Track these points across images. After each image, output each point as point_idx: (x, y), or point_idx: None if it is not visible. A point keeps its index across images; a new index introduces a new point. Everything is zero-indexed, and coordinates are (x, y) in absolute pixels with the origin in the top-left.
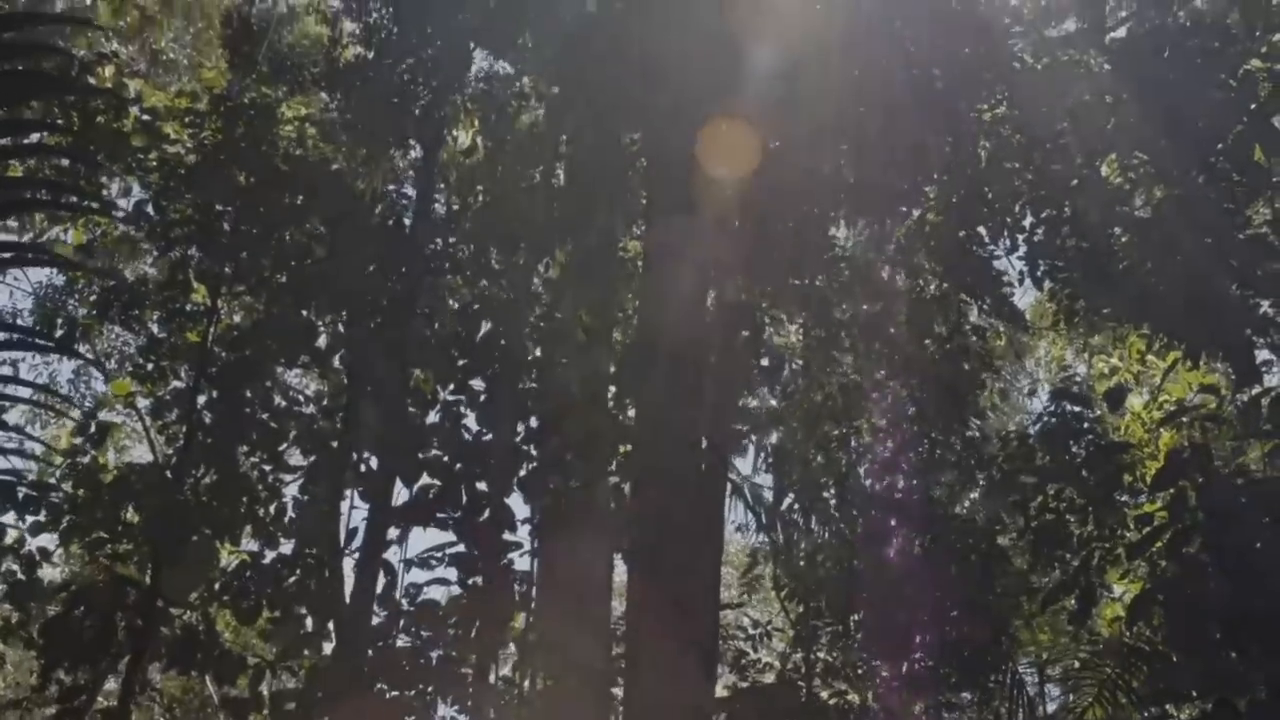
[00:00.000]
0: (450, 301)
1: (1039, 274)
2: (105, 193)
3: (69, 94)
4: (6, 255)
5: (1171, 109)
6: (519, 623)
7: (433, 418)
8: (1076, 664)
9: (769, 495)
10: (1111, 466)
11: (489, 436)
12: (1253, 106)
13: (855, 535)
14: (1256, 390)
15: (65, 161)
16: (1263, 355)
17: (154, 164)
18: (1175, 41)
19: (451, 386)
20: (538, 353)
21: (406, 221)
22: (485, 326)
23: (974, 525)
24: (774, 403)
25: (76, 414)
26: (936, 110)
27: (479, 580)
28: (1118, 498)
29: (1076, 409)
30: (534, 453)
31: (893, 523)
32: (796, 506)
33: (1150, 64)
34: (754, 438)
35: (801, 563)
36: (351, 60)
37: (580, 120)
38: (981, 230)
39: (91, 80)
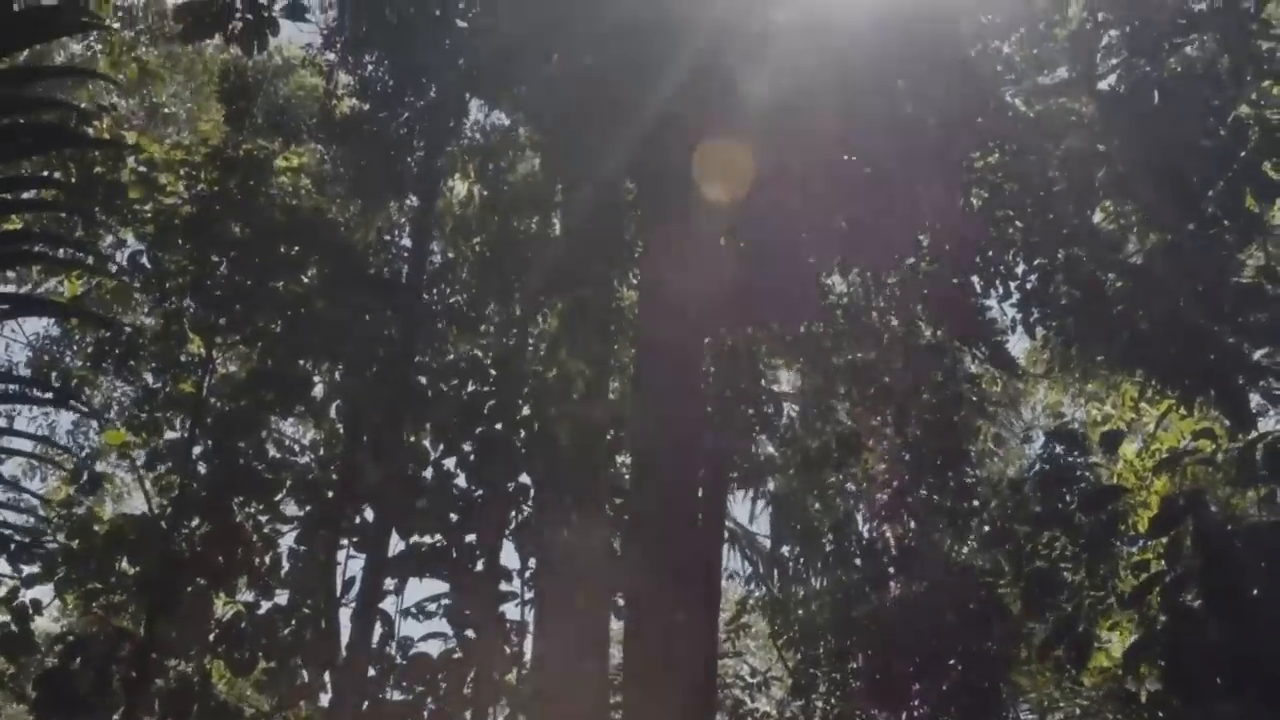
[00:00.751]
0: (448, 353)
1: (1032, 321)
2: (101, 244)
3: (69, 147)
4: (4, 307)
5: (1162, 156)
6: (513, 676)
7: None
8: (1078, 711)
9: (766, 543)
10: (1105, 513)
11: (480, 494)
12: (1243, 153)
13: (853, 582)
14: (1250, 436)
15: (62, 213)
16: (1256, 400)
17: (149, 215)
18: (1165, 89)
19: (449, 441)
20: (525, 409)
21: (403, 271)
22: (483, 382)
23: (971, 572)
24: (771, 450)
25: (73, 464)
26: (929, 158)
27: (472, 632)
28: (1112, 544)
29: (1070, 455)
30: (528, 506)
31: (890, 570)
32: (794, 554)
33: (1140, 112)
34: (752, 484)
35: (799, 611)
36: (347, 112)
37: (576, 169)
38: (975, 278)
39: (90, 130)
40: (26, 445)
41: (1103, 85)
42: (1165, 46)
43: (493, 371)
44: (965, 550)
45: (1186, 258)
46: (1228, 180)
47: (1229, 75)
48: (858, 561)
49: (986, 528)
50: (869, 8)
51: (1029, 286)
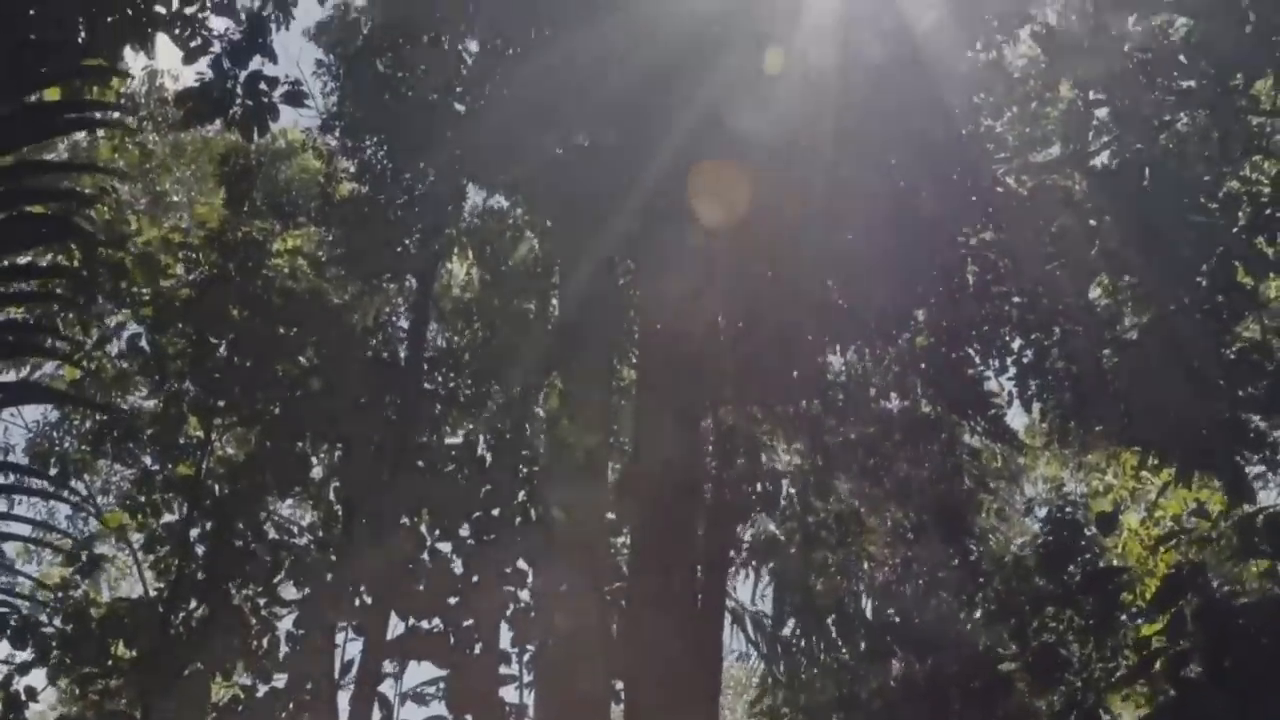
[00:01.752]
0: (446, 436)
1: (1029, 395)
2: (101, 327)
3: (72, 239)
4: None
5: (1153, 233)
6: None
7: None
8: None
9: (769, 622)
10: (1109, 589)
11: (477, 579)
12: (1234, 229)
13: (856, 660)
14: (1251, 509)
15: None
16: (1256, 470)
17: (149, 298)
18: (1155, 166)
19: (446, 526)
20: (534, 482)
21: (401, 354)
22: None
23: (976, 649)
24: (773, 527)
25: (71, 546)
26: (924, 235)
27: (471, 716)
28: (1117, 618)
29: (1072, 529)
30: (526, 589)
31: (894, 647)
32: (797, 632)
33: (1130, 190)
34: (753, 563)
35: (803, 695)
36: (347, 195)
37: (575, 251)
38: (971, 352)
39: (91, 214)
40: (25, 526)
41: (1096, 162)
42: (1155, 124)
43: (489, 457)
44: (970, 626)
45: (1180, 332)
46: (1219, 255)
47: (1219, 151)
48: (861, 639)
49: (992, 606)
50: (863, 87)
51: (1025, 361)
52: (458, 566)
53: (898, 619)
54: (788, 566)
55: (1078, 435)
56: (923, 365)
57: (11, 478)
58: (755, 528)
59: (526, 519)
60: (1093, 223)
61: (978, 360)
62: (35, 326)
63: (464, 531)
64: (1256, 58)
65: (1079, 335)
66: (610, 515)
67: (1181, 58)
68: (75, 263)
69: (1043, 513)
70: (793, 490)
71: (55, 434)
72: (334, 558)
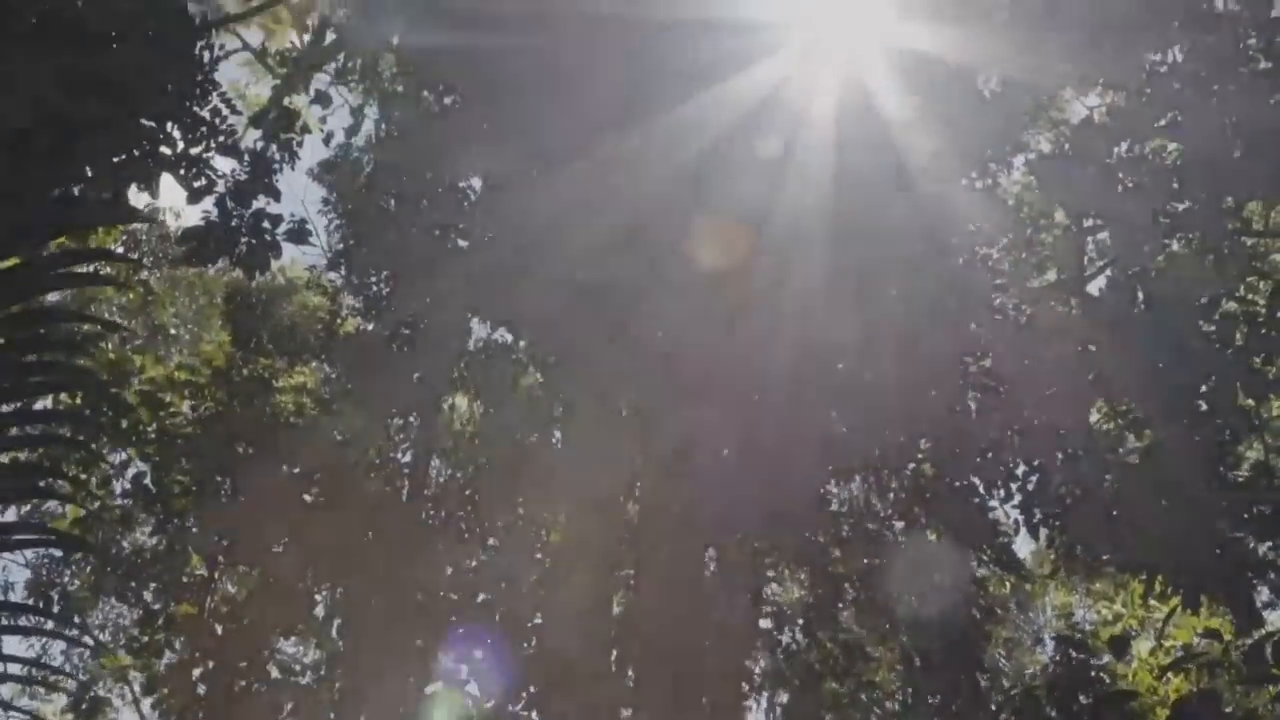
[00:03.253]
0: (447, 569)
1: (1035, 522)
2: (105, 465)
3: (77, 387)
4: (4, 538)
5: (1149, 357)
6: None
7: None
8: None
9: None
10: (1119, 716)
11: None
12: (1231, 351)
13: None
14: (1260, 634)
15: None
16: (1265, 595)
17: (153, 435)
18: (1150, 291)
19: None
20: (538, 619)
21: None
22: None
23: None
24: (780, 658)
25: (70, 684)
26: (923, 365)
27: None
28: None
29: (1082, 656)
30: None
31: None
32: None
33: (1126, 315)
34: (763, 696)
35: None
36: (352, 332)
37: (577, 386)
38: (975, 480)
39: (95, 352)
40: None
41: (1092, 287)
42: (1146, 249)
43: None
44: None
45: (1180, 456)
46: (1217, 379)
47: (1215, 272)
48: None
49: None
50: (858, 217)
51: (1029, 488)
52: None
53: None
54: (798, 700)
55: (1084, 563)
56: (927, 495)
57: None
58: (763, 664)
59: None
60: (1091, 347)
61: (982, 488)
62: (38, 468)
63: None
64: (1247, 180)
65: (1080, 461)
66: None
67: (1174, 182)
68: (79, 401)
69: (1051, 644)
70: (799, 621)
71: (57, 571)
72: (336, 695)
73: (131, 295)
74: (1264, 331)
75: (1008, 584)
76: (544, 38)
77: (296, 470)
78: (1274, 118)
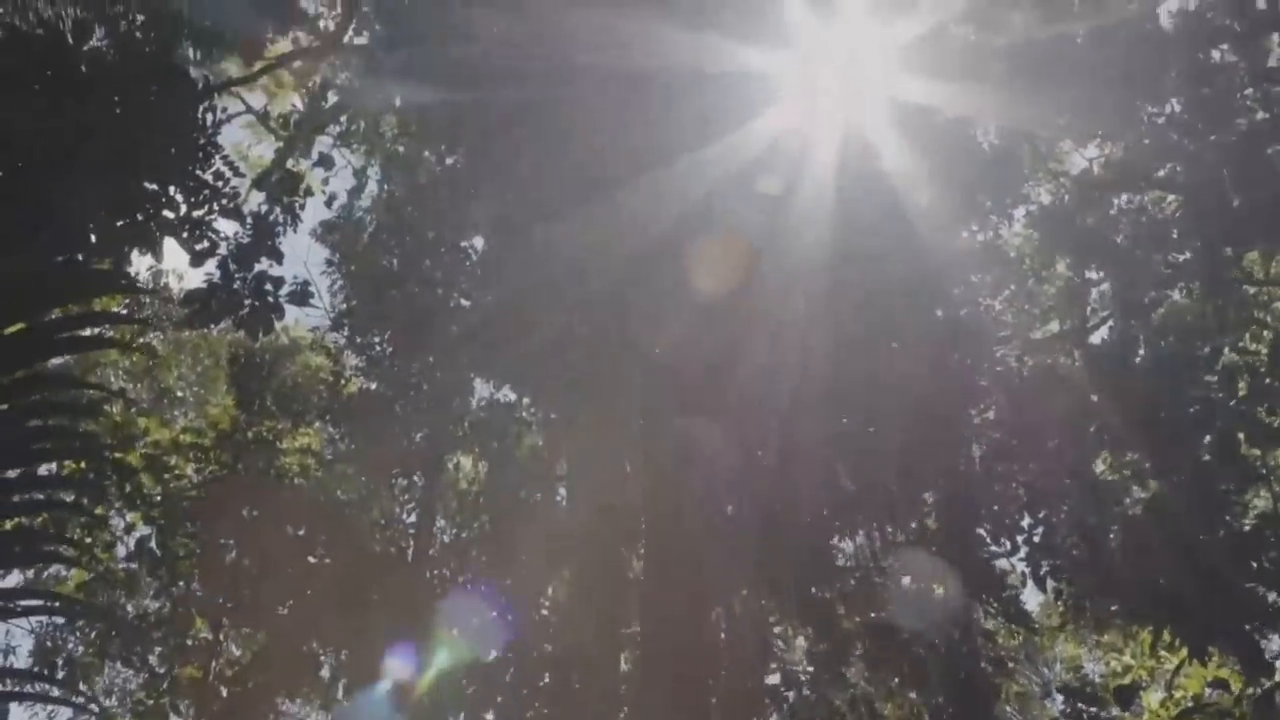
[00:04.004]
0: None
1: (1042, 574)
2: (109, 529)
3: (81, 454)
4: (7, 605)
5: (1151, 409)
6: None
7: None
8: None
9: None
10: None
11: None
12: (1231, 402)
13: None
14: (1269, 684)
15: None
16: (1274, 645)
17: (157, 499)
18: (1153, 342)
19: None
20: (546, 678)
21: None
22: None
23: None
24: (788, 717)
25: None
26: (927, 418)
27: None
28: None
29: (1092, 709)
30: None
31: None
32: None
33: (1128, 366)
34: None
35: None
36: (355, 393)
37: (581, 443)
38: (982, 532)
39: (100, 416)
40: None
41: (1094, 338)
42: (1146, 301)
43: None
44: None
45: (1185, 506)
46: (1220, 428)
47: (1215, 322)
48: None
49: None
50: (860, 271)
51: (1036, 540)
52: None
53: None
54: None
55: (1092, 614)
56: (934, 548)
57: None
58: None
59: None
60: (1094, 398)
61: (989, 541)
62: (43, 533)
63: None
64: (1245, 230)
65: (1086, 512)
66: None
67: (1173, 232)
68: (83, 466)
69: (1060, 699)
70: (807, 673)
71: (62, 636)
72: None
73: (136, 358)
74: (1267, 381)
75: (1017, 636)
76: (544, 92)
77: (301, 531)
78: (1271, 168)
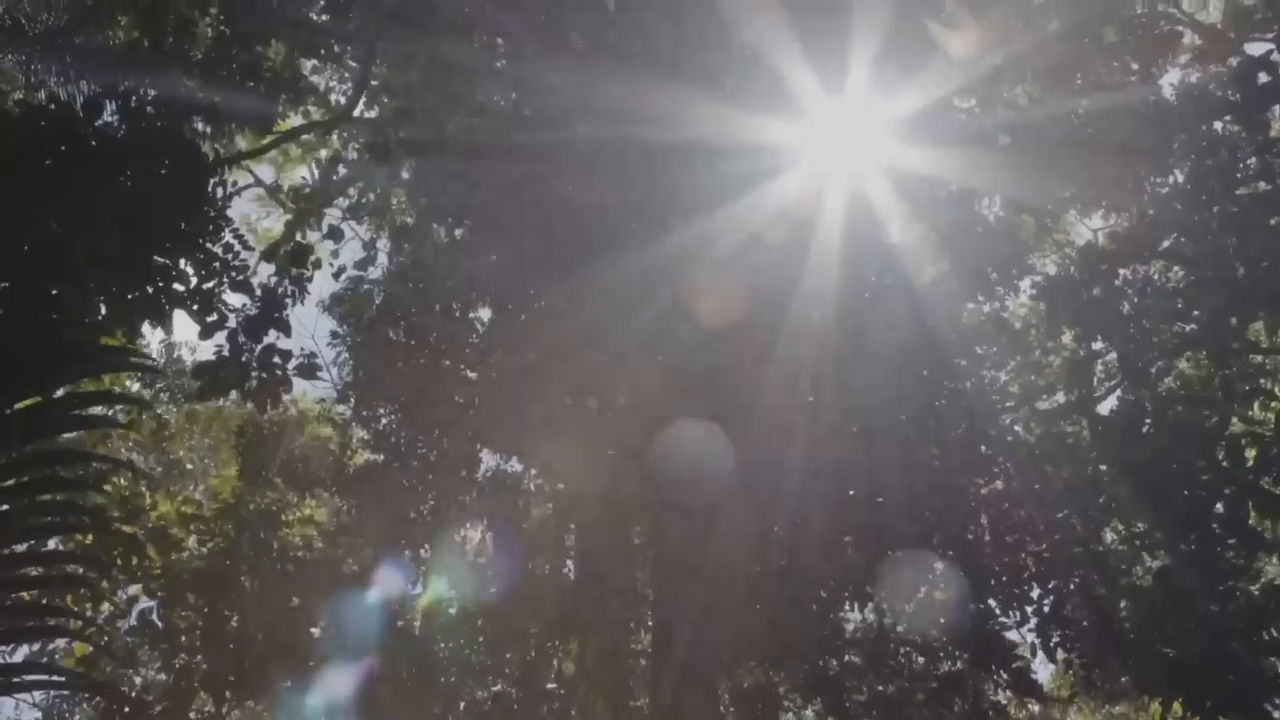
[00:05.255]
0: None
1: (1052, 645)
2: (113, 602)
3: (85, 528)
4: (12, 680)
5: (1158, 480)
6: None
7: None
8: None
9: None
10: None
11: None
12: (1241, 472)
13: None
14: None
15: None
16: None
17: (161, 571)
18: (1159, 413)
19: None
20: None
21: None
22: None
23: None
24: None
25: None
26: (935, 489)
27: None
28: None
29: None
30: None
31: None
32: None
33: (1134, 438)
34: None
35: None
36: (362, 465)
37: (589, 515)
38: (992, 603)
39: (106, 488)
40: None
41: (1102, 407)
42: (1153, 371)
43: None
44: None
45: (1193, 578)
46: (1228, 499)
47: (1222, 393)
48: None
49: None
50: (866, 343)
51: (1045, 610)
52: None
53: None
54: None
55: (1103, 686)
56: (941, 620)
57: None
58: None
59: None
60: (1103, 467)
61: (998, 612)
62: (46, 607)
63: None
64: (1249, 301)
65: (1095, 583)
66: None
67: (1179, 303)
68: (89, 539)
69: None
70: None
71: (67, 710)
72: None
73: (147, 430)
74: (1273, 451)
75: (1027, 708)
76: (550, 164)
77: (305, 604)
78: (1275, 237)
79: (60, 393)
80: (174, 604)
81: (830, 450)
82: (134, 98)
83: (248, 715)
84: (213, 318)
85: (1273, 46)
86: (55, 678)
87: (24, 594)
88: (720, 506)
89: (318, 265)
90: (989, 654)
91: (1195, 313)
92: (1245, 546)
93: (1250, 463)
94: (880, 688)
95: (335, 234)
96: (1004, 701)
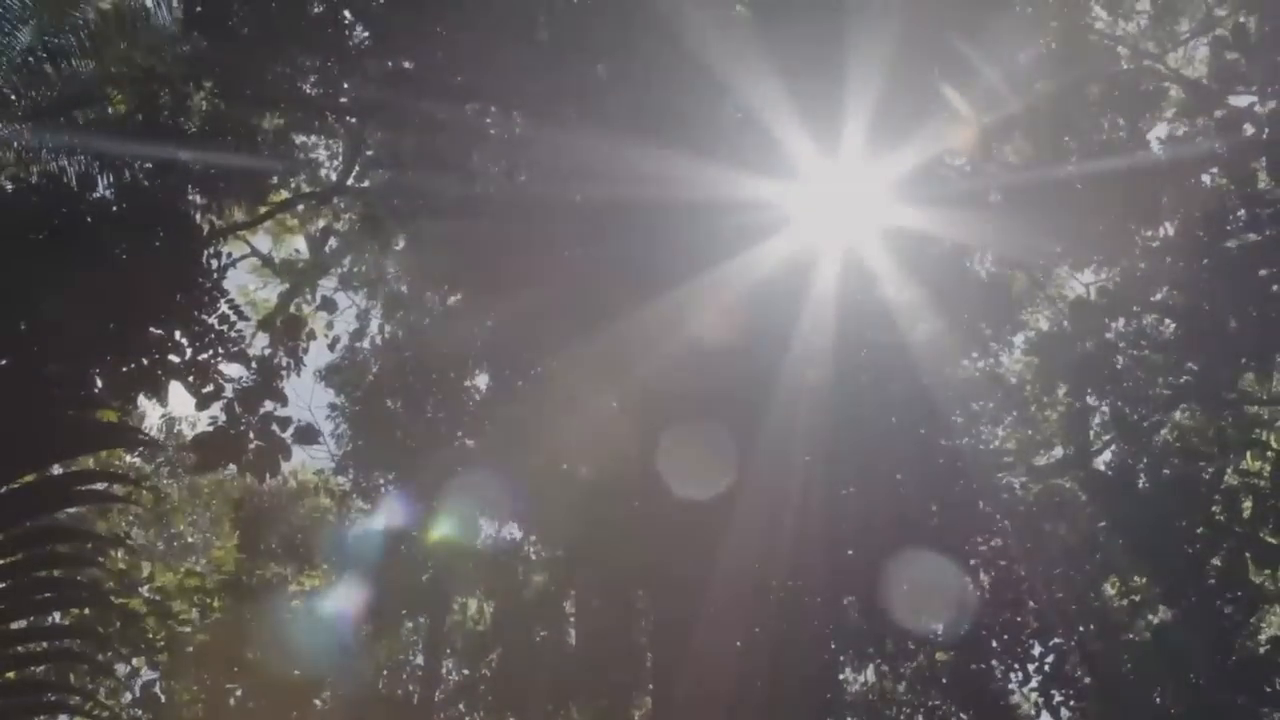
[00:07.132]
0: None
1: (1055, 704)
2: (114, 676)
3: (84, 604)
4: None
5: (1154, 534)
6: None
7: None
8: None
9: None
10: None
11: None
12: (1237, 524)
13: None
14: None
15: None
16: None
17: (163, 644)
18: (1154, 468)
19: None
20: None
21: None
22: None
23: None
24: None
25: None
26: (933, 547)
27: None
28: None
29: None
30: None
31: None
32: None
33: (1130, 493)
34: None
35: None
36: (360, 534)
37: (588, 582)
38: (994, 663)
39: (105, 561)
40: None
41: (1098, 461)
42: (1147, 424)
43: None
44: None
45: (1194, 631)
46: (1226, 551)
47: (1216, 445)
48: None
49: None
50: (860, 402)
51: (1047, 668)
52: None
53: None
54: None
55: None
56: (943, 680)
57: None
58: None
59: None
60: (1099, 523)
61: (999, 671)
62: (46, 683)
63: None
64: (1240, 352)
65: (1095, 639)
66: None
67: (1172, 355)
68: (88, 613)
69: None
70: None
71: None
72: None
73: (146, 505)
74: (1269, 503)
75: None
76: (543, 228)
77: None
78: (1262, 290)
79: (57, 470)
80: (175, 676)
81: (826, 511)
82: (128, 171)
83: None
84: (209, 389)
85: (1256, 99)
86: None
87: (23, 670)
88: (716, 569)
89: (312, 336)
90: (991, 715)
91: (1189, 364)
92: (1244, 599)
93: (1247, 514)
94: None
95: (329, 304)
96: None
